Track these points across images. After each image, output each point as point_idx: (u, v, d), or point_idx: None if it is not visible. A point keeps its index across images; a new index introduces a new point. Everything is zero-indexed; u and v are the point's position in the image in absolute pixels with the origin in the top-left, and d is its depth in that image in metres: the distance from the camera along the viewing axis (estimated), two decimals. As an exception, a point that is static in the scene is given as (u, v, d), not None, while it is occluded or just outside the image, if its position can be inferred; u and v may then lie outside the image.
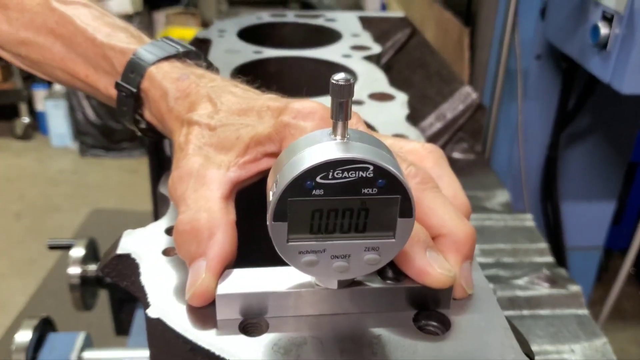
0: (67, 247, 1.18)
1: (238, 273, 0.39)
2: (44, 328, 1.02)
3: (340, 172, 0.32)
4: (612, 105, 1.53)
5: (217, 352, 0.36)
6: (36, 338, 0.98)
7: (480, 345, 0.37)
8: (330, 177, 0.33)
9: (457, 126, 1.21)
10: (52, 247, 1.27)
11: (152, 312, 0.38)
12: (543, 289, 0.81)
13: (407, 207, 0.34)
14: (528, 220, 0.98)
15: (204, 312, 0.38)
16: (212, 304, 0.38)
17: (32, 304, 2.38)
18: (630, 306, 2.35)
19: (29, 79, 3.73)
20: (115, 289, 1.22)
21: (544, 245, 0.92)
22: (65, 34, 0.57)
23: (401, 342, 0.37)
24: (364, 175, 0.33)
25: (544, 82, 1.54)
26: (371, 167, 0.33)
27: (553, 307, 0.79)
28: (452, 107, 1.20)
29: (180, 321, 0.38)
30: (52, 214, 3.08)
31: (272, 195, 0.33)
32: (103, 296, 1.21)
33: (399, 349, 0.37)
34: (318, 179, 0.33)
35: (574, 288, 0.81)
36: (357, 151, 0.33)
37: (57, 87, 3.65)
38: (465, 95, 1.20)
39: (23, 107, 3.75)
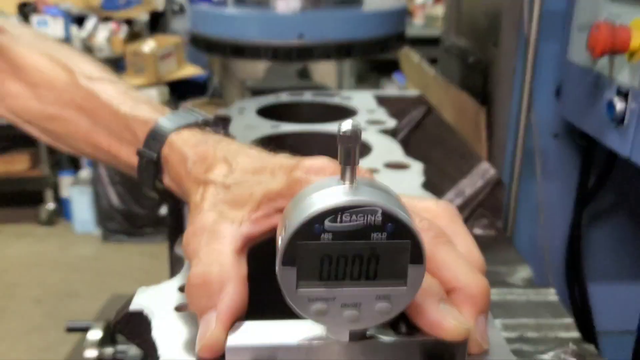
0: (85, 330, 1.17)
1: (249, 325, 0.39)
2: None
3: (348, 215, 0.33)
4: (634, 180, 1.51)
5: (225, 409, 0.35)
6: None
7: (498, 403, 0.35)
8: (338, 220, 0.33)
9: (476, 202, 1.21)
10: (71, 330, 1.26)
11: (161, 367, 0.38)
12: (570, 365, 0.78)
13: (417, 253, 0.34)
14: (551, 294, 0.95)
15: None
16: (222, 357, 0.37)
17: (46, 391, 2.34)
18: (669, 396, 2.23)
19: (57, 166, 3.83)
20: (131, 373, 1.20)
21: (569, 320, 0.88)
22: (90, 108, 0.59)
23: (416, 399, 0.36)
24: (373, 219, 0.33)
25: (563, 160, 1.54)
26: (379, 211, 0.33)
27: (582, 383, 0.75)
28: (471, 183, 1.20)
29: (189, 377, 0.37)
30: (72, 300, 3.07)
31: (280, 240, 0.34)
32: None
33: (413, 407, 0.35)
34: (327, 223, 0.33)
35: (603, 363, 0.77)
36: (365, 195, 0.33)
37: (83, 175, 3.74)
38: (484, 171, 1.20)
39: (49, 194, 3.83)
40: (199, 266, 0.41)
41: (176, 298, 0.45)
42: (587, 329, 1.69)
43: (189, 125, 0.56)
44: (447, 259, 0.40)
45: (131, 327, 0.43)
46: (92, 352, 1.12)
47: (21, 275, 3.32)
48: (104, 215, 3.63)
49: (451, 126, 1.25)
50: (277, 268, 0.34)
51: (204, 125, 0.58)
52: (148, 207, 3.49)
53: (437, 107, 1.42)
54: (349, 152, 0.33)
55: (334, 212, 0.32)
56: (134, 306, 0.44)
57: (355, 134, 0.33)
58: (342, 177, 0.34)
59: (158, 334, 0.41)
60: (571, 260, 1.65)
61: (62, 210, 3.88)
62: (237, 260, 0.41)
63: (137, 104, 0.59)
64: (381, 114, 0.98)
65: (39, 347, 2.67)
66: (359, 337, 0.37)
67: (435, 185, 1.19)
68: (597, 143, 1.34)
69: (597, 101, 1.26)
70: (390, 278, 0.35)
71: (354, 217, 0.33)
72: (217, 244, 0.42)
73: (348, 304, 0.35)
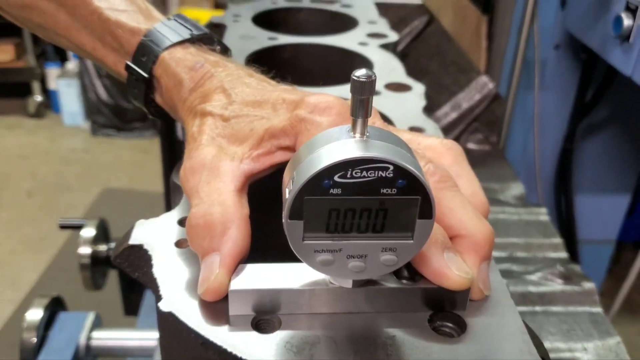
0: (78, 227, 1.18)
1: (251, 269, 0.39)
2: (55, 307, 1.03)
3: (359, 171, 0.32)
4: (630, 98, 1.50)
5: (229, 349, 0.35)
6: (47, 317, 0.99)
7: (496, 349, 0.36)
8: (348, 176, 0.32)
9: (472, 116, 1.19)
10: (63, 227, 1.27)
11: (164, 306, 0.38)
12: (556, 285, 0.80)
13: (427, 208, 0.33)
14: (542, 214, 0.96)
15: (217, 307, 0.38)
16: (224, 299, 0.38)
17: (42, 281, 2.40)
18: (641, 300, 2.34)
19: (42, 57, 3.72)
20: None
21: (558, 240, 0.90)
22: (68, 3, 0.54)
23: (416, 343, 0.36)
24: (384, 175, 0.32)
25: (562, 73, 1.51)
26: (391, 167, 0.32)
27: (566, 304, 0.78)
28: (468, 97, 1.19)
29: (192, 316, 0.37)
30: (63, 193, 3.09)
31: (288, 193, 0.33)
32: (113, 276, 1.22)
33: (413, 350, 0.36)
34: (336, 178, 0.32)
35: (588, 285, 0.80)
36: (377, 150, 0.32)
37: (70, 66, 3.64)
38: (482, 85, 1.18)
39: (36, 86, 3.75)
40: (200, 206, 0.40)
41: (176, 232, 0.45)
42: (570, 238, 1.74)
43: (182, 42, 0.52)
44: (452, 205, 0.39)
45: (131, 260, 0.43)
46: (85, 249, 1.14)
47: (12, 166, 3.32)
48: (92, 109, 3.58)
49: (451, 37, 1.21)
50: (283, 220, 0.33)
51: (198, 40, 0.54)
52: (136, 105, 3.44)
53: (437, 12, 1.37)
54: (362, 103, 0.32)
55: (344, 167, 0.31)
56: (134, 240, 0.43)
57: (370, 85, 0.31)
58: (353, 129, 0.33)
59: (159, 272, 0.40)
60: (561, 172, 1.67)
61: (50, 102, 3.82)
62: (238, 199, 0.40)
63: (122, 4, 0.54)
64: (383, 26, 0.95)
65: (34, 239, 2.72)
66: (361, 283, 0.37)
67: (432, 98, 1.18)
68: (598, 57, 1.31)
69: (603, 15, 1.22)
70: (398, 231, 0.34)
71: (364, 172, 0.32)
72: (217, 182, 0.41)
73: (354, 256, 0.35)
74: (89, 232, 1.14)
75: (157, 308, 0.38)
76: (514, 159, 1.65)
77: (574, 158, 1.62)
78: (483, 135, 1.21)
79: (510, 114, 1.59)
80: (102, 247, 1.14)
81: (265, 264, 0.39)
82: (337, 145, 0.32)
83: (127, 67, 0.53)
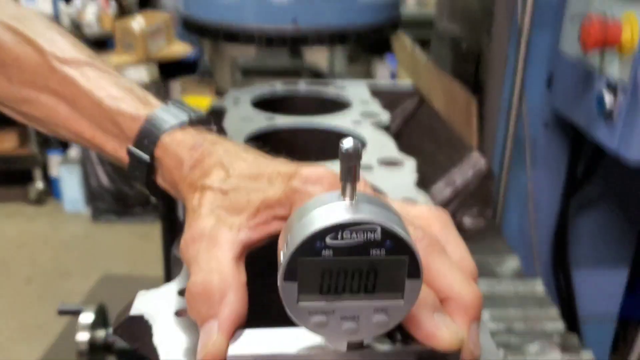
0: (77, 313, 1.18)
1: (249, 334, 0.40)
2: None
3: (349, 233, 0.33)
4: (621, 172, 1.53)
5: (226, 413, 0.36)
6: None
7: (489, 409, 0.37)
8: (339, 238, 0.34)
9: (467, 192, 1.22)
10: (62, 313, 1.27)
11: (163, 373, 0.39)
12: (555, 356, 0.80)
13: (414, 268, 0.35)
14: (538, 285, 0.97)
15: None
16: None
17: (38, 370, 2.35)
18: (649, 378, 2.28)
19: (45, 145, 3.80)
20: (124, 356, 1.21)
21: (555, 311, 0.91)
22: (68, 96, 0.56)
23: (411, 405, 0.37)
24: (372, 236, 0.34)
25: (552, 150, 1.55)
26: (379, 229, 0.34)
27: (566, 375, 0.78)
28: (462, 173, 1.22)
29: (191, 382, 0.38)
30: (63, 279, 3.08)
31: (282, 256, 0.34)
32: (111, 363, 1.20)
33: (408, 413, 0.37)
34: (328, 240, 0.34)
35: (587, 355, 0.80)
36: (365, 213, 0.34)
37: (72, 154, 3.71)
38: (474, 162, 1.22)
39: (37, 173, 3.81)
40: (199, 274, 0.41)
41: (176, 302, 0.46)
42: (571, 314, 1.72)
43: (181, 124, 0.55)
44: (441, 268, 0.41)
45: (131, 331, 0.44)
46: (84, 335, 1.13)
47: (11, 254, 3.31)
48: (94, 195, 3.62)
49: (443, 117, 1.26)
50: (279, 282, 0.35)
51: (196, 122, 0.56)
52: (137, 187, 3.48)
53: (428, 94, 1.42)
54: (350, 169, 0.34)
55: (335, 230, 0.33)
56: (135, 311, 0.45)
57: (356, 152, 0.34)
58: (343, 193, 0.35)
59: (159, 340, 0.42)
60: (557, 247, 1.67)
61: (52, 189, 3.87)
62: (236, 267, 0.42)
63: (121, 92, 0.56)
64: (375, 106, 0.99)
65: (31, 326, 2.68)
66: (356, 346, 0.39)
67: (426, 174, 1.21)
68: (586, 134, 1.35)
69: (587, 93, 1.26)
70: (388, 291, 0.36)
71: (354, 234, 0.34)
72: (216, 250, 0.43)
73: (347, 317, 0.36)
74: (87, 317, 1.13)
75: (157, 376, 0.39)
76: (511, 236, 1.66)
77: (570, 233, 1.64)
78: (478, 210, 1.23)
79: (505, 191, 1.61)
80: (101, 333, 1.13)
81: (262, 329, 0.40)
82: (327, 209, 0.34)
83: (129, 152, 0.55)
